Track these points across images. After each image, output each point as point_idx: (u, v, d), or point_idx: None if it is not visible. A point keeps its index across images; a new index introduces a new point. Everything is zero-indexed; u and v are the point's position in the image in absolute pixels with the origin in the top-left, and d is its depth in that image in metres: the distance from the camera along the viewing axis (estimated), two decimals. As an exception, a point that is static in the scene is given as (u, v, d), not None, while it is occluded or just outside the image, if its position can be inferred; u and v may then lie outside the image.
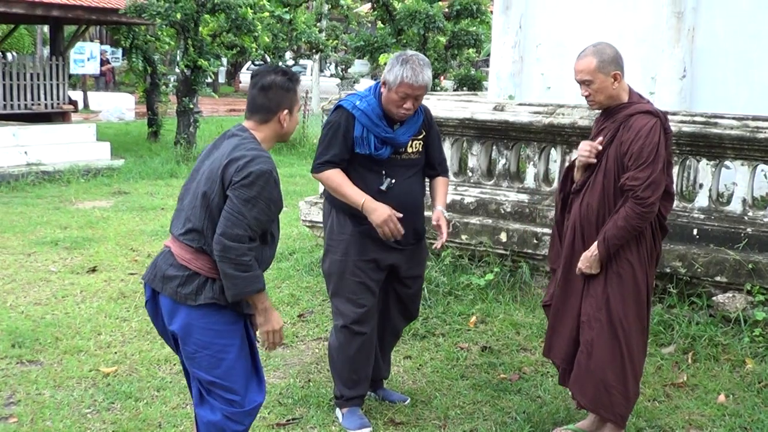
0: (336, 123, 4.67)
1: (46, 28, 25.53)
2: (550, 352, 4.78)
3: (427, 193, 5.06)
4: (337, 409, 4.95)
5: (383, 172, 4.69)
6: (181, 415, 4.88)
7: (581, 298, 4.52)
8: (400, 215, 4.58)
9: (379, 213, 4.54)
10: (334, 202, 4.82)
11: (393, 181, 4.68)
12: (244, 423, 3.79)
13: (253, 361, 3.83)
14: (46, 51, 25.70)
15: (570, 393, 4.76)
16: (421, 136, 4.81)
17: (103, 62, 34.08)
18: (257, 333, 3.83)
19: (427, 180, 5.04)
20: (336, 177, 4.64)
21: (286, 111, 3.74)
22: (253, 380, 3.82)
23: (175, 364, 5.65)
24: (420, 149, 4.82)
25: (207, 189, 3.62)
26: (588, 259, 4.38)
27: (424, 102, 5.24)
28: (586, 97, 4.43)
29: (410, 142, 4.75)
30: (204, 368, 3.69)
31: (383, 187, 4.65)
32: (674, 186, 5.48)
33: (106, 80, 34.66)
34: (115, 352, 5.86)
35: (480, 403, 5.21)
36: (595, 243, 4.34)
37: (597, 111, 4.66)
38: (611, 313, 4.38)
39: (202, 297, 3.59)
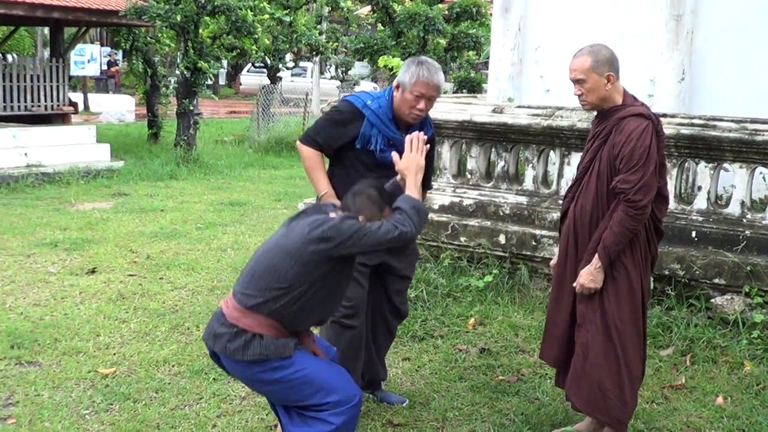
0: (339, 112, 4.74)
1: (46, 30, 25.55)
2: (545, 355, 4.79)
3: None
4: None
5: (385, 175, 4.69)
6: (180, 417, 4.89)
7: (574, 300, 4.53)
8: None
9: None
10: None
11: (397, 179, 4.68)
12: (353, 421, 3.91)
13: (326, 365, 3.98)
14: (47, 53, 25.71)
15: (565, 395, 4.76)
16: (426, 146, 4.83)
17: (111, 64, 34.17)
18: None
19: None
20: (314, 158, 4.74)
21: (362, 218, 3.94)
22: (336, 380, 3.91)
23: (173, 366, 5.66)
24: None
25: (278, 261, 3.83)
26: (591, 273, 4.34)
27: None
28: (579, 96, 4.44)
29: None
30: (283, 400, 3.92)
31: (387, 187, 4.65)
32: (669, 188, 5.49)
33: (115, 82, 34.68)
34: (114, 354, 5.86)
35: (478, 405, 5.21)
36: (595, 257, 4.33)
37: (595, 113, 4.66)
38: (606, 315, 4.38)
39: (250, 353, 3.76)
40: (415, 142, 4.22)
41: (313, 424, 3.85)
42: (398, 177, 4.42)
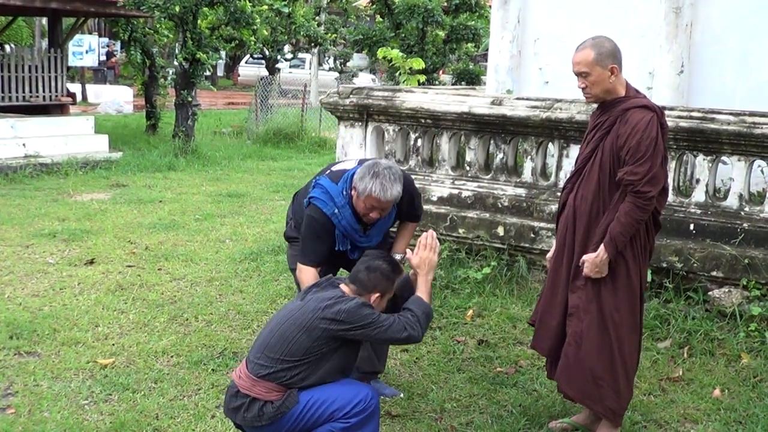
0: (316, 222, 4.77)
1: (44, 20, 25.50)
2: (537, 344, 4.80)
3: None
4: None
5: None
6: (178, 407, 4.90)
7: (568, 290, 4.54)
8: None
9: None
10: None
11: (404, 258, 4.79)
12: (369, 420, 4.05)
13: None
14: (45, 43, 25.66)
15: (557, 385, 4.77)
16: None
17: (110, 55, 34.12)
18: None
19: None
20: (314, 274, 4.75)
21: (378, 294, 4.12)
22: (340, 390, 4.04)
23: (172, 356, 5.67)
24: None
25: (289, 333, 4.00)
26: (596, 263, 4.35)
27: (424, 101, 5.26)
28: (583, 89, 4.45)
29: None
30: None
31: (355, 257, 4.76)
32: (670, 181, 5.50)
33: (114, 73, 34.63)
34: (113, 344, 5.87)
35: (476, 396, 5.23)
36: (600, 247, 4.33)
37: (594, 106, 4.66)
38: (602, 305, 4.39)
39: (266, 417, 3.96)
40: (429, 240, 4.37)
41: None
42: (398, 257, 4.72)
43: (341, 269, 5.11)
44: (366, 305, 4.01)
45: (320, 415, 3.97)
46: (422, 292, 4.25)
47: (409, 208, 5.03)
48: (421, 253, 4.33)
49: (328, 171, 4.96)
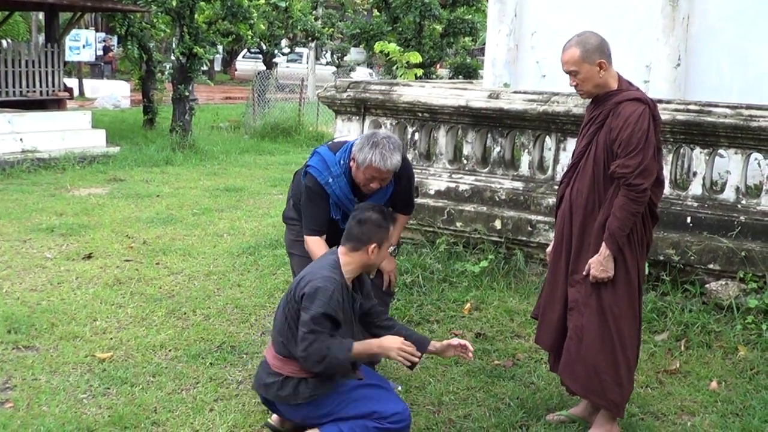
0: (313, 191, 4.80)
1: (41, 15, 25.47)
2: (539, 339, 4.82)
3: None
4: None
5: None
6: (177, 401, 4.91)
7: (567, 284, 4.55)
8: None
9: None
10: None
11: (397, 249, 4.87)
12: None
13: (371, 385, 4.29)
14: (42, 38, 25.65)
15: (560, 379, 4.79)
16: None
17: (107, 49, 34.07)
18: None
19: None
20: (322, 244, 4.79)
21: (374, 245, 4.21)
22: (380, 399, 4.20)
23: (170, 350, 5.68)
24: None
25: (279, 311, 4.24)
26: (600, 262, 4.34)
27: (421, 95, 5.27)
28: (575, 87, 4.47)
29: None
30: (335, 419, 4.18)
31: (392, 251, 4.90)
32: (665, 173, 5.50)
33: (111, 68, 34.59)
34: (111, 338, 5.88)
35: (474, 389, 5.24)
36: (602, 246, 4.34)
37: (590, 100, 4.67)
38: (601, 298, 4.40)
39: (300, 396, 4.11)
40: (458, 344, 4.42)
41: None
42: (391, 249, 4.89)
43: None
44: (315, 331, 3.98)
45: (360, 408, 4.10)
46: (361, 344, 4.18)
47: (406, 190, 5.04)
48: (395, 340, 4.21)
49: (330, 142, 4.99)
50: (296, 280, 4.25)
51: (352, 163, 4.67)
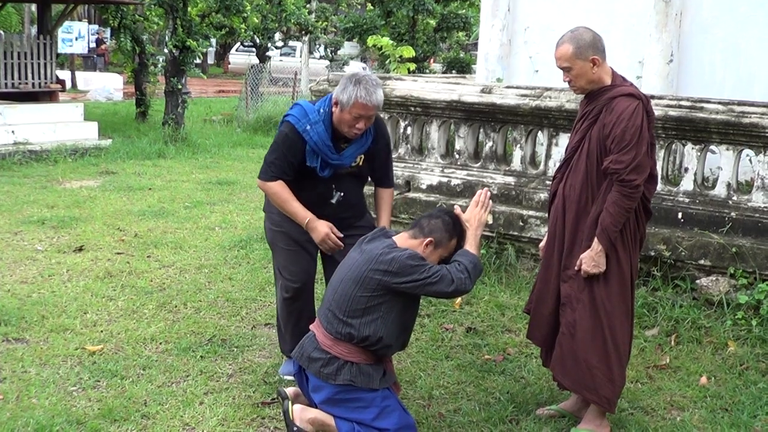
0: (286, 137, 4.76)
1: (33, 7, 25.37)
2: (531, 334, 4.83)
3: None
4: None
5: (333, 185, 4.86)
6: (167, 394, 4.90)
7: (559, 280, 4.56)
8: (341, 234, 4.82)
9: (318, 232, 4.78)
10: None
11: (342, 194, 4.85)
12: None
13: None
14: (34, 30, 25.54)
15: (552, 374, 4.80)
16: (367, 150, 4.92)
17: (100, 42, 33.95)
18: None
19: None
20: (283, 192, 4.79)
21: (431, 240, 4.22)
22: (404, 415, 4.26)
23: (160, 343, 5.67)
24: (363, 162, 4.95)
25: (350, 289, 4.15)
26: (592, 257, 4.35)
27: (414, 89, 5.26)
28: (569, 83, 4.47)
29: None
30: (342, 413, 4.22)
31: (333, 201, 4.86)
32: (658, 169, 5.50)
33: (104, 60, 34.48)
34: (101, 331, 5.87)
35: (464, 384, 5.24)
36: (594, 241, 4.34)
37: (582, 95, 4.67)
38: (594, 294, 4.41)
39: (341, 378, 4.13)
40: (483, 198, 4.39)
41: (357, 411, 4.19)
42: (341, 193, 4.81)
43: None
44: (418, 257, 4.08)
45: (377, 418, 4.16)
46: (470, 245, 4.28)
47: (385, 155, 5.04)
48: (473, 209, 4.36)
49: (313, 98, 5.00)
50: (374, 259, 4.11)
51: (335, 108, 4.64)
